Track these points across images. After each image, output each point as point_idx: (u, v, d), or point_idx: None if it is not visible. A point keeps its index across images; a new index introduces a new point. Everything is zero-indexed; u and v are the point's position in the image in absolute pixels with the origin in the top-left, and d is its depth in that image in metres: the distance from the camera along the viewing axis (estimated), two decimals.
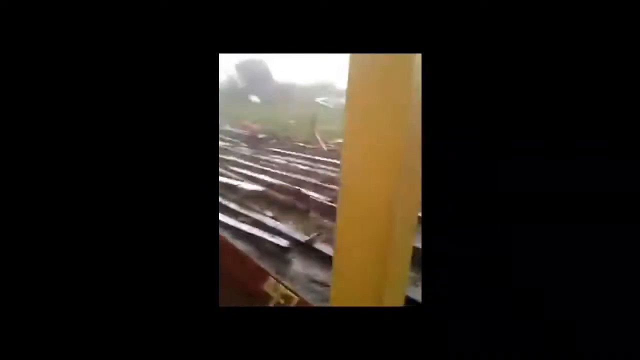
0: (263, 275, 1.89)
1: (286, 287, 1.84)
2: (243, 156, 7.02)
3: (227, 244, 2.14)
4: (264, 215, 4.46)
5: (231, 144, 7.91)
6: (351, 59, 1.07)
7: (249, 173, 5.99)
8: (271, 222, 4.20)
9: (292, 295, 1.81)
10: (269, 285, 1.84)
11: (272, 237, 3.80)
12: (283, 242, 3.69)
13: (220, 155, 6.95)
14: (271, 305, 1.77)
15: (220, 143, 7.91)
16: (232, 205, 4.70)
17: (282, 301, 1.77)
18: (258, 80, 13.34)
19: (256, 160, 6.72)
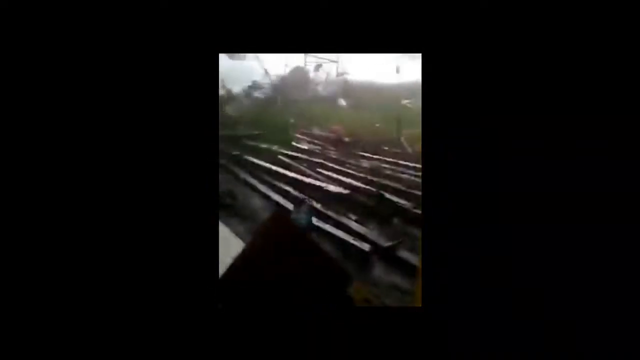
0: (348, 278, 2.02)
1: (369, 291, 1.94)
2: (330, 159, 7.27)
3: (315, 244, 2.32)
4: (348, 218, 4.60)
5: (319, 147, 8.24)
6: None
7: (335, 176, 6.20)
8: (354, 225, 4.33)
9: (373, 300, 1.90)
10: (352, 289, 1.97)
11: (355, 240, 3.92)
12: (365, 247, 3.79)
13: (309, 158, 7.31)
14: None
15: (308, 146, 8.29)
16: (318, 206, 4.94)
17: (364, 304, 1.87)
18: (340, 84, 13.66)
19: (342, 164, 6.92)
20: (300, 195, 4.90)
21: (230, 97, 9.86)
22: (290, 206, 4.97)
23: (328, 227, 4.24)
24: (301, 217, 3.89)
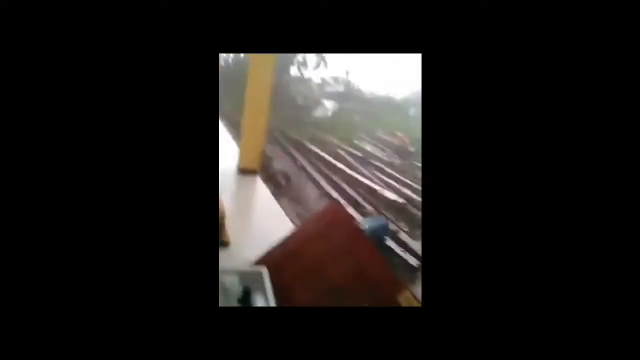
0: (400, 286, 1.85)
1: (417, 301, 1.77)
2: (389, 164, 7.04)
3: (371, 245, 2.17)
4: (399, 227, 4.39)
5: (380, 151, 8.03)
6: None
7: (392, 182, 5.98)
8: (404, 237, 4.11)
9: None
10: (403, 298, 1.80)
11: (403, 252, 3.71)
12: (413, 261, 3.57)
13: (367, 158, 7.14)
14: None
15: (369, 147, 8.11)
16: (369, 208, 4.78)
17: None
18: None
19: (402, 172, 6.67)
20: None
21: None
22: (340, 200, 4.85)
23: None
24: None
